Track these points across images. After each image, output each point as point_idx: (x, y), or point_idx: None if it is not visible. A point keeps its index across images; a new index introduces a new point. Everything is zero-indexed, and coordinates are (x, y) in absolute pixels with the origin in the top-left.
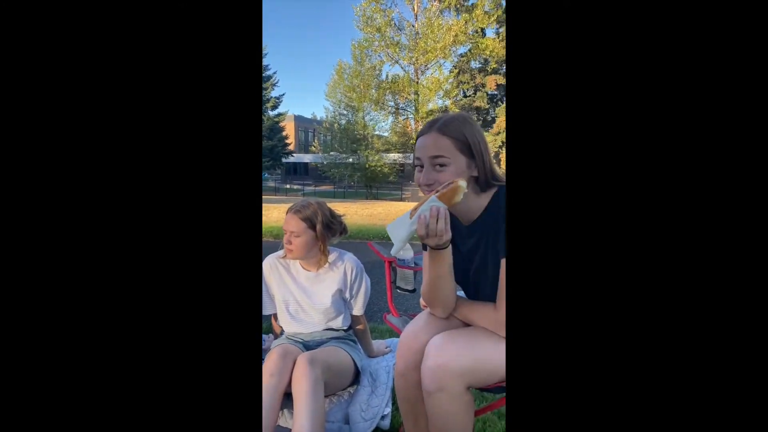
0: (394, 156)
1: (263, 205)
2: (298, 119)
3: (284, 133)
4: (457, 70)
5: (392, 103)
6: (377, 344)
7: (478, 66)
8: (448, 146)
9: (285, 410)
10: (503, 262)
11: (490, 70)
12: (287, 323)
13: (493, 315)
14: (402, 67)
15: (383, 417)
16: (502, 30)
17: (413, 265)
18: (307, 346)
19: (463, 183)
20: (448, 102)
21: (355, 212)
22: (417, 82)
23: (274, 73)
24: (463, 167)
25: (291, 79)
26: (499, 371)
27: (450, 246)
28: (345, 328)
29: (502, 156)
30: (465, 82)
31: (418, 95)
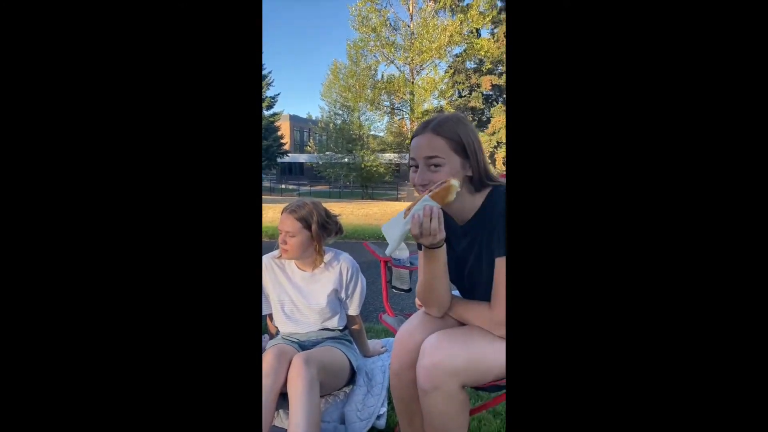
0: (389, 156)
1: None
2: (294, 119)
3: (279, 133)
4: (452, 71)
5: (388, 103)
6: (373, 344)
7: (473, 66)
8: (442, 146)
9: (281, 410)
10: (498, 261)
11: (485, 71)
12: (283, 323)
13: (488, 314)
14: (397, 67)
15: (379, 416)
16: (497, 30)
17: (409, 265)
18: (303, 346)
19: (455, 182)
20: (443, 102)
21: (350, 212)
22: (412, 82)
23: (269, 72)
24: (457, 167)
25: (286, 79)
26: (493, 370)
27: (444, 245)
28: (341, 328)
29: (497, 156)
30: (460, 83)
31: (414, 95)
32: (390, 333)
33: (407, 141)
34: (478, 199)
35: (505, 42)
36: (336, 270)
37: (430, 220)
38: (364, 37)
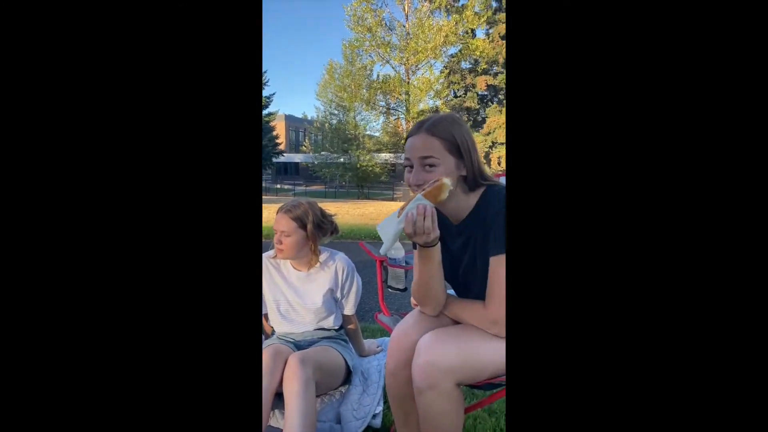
0: (385, 156)
1: None
2: (289, 119)
3: (275, 133)
4: (447, 71)
5: (383, 103)
6: (369, 343)
7: (468, 67)
8: (436, 147)
9: (276, 410)
10: (492, 260)
11: (480, 71)
12: (278, 323)
13: (483, 313)
14: (393, 67)
15: (375, 416)
16: (492, 31)
17: (404, 264)
18: (299, 345)
19: (447, 180)
20: (438, 102)
21: (346, 212)
22: (408, 83)
23: (265, 72)
24: (452, 167)
25: (281, 79)
26: (488, 368)
27: (439, 244)
28: (336, 327)
29: (493, 156)
30: (455, 83)
31: (409, 95)
32: (386, 332)
33: (403, 141)
34: (473, 199)
35: (499, 42)
36: (331, 270)
37: (424, 218)
38: (359, 37)
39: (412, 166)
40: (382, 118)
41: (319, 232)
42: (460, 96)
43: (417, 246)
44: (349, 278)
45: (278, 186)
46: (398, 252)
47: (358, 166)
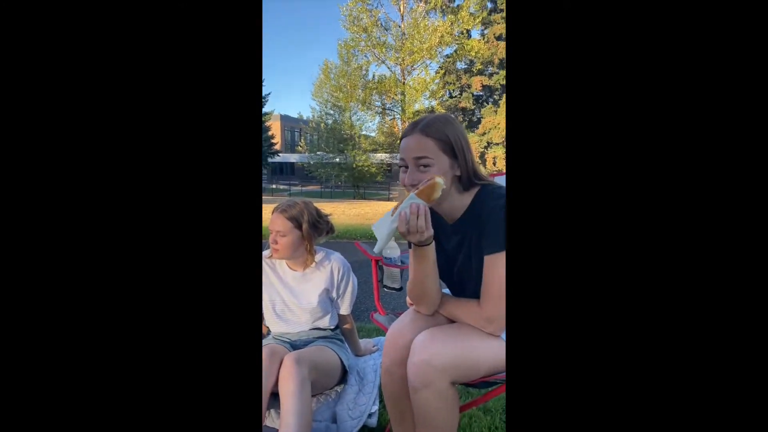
0: (381, 156)
1: None
2: (284, 119)
3: (270, 133)
4: (443, 71)
5: (379, 103)
6: (364, 343)
7: (463, 67)
8: (431, 147)
9: (272, 410)
10: (487, 259)
11: (475, 71)
12: (274, 323)
13: (478, 311)
14: (388, 68)
15: (370, 415)
16: (488, 32)
17: (400, 264)
18: (294, 345)
19: (440, 179)
20: (434, 102)
21: (342, 212)
22: (403, 83)
23: None
24: (446, 167)
25: (277, 79)
26: (483, 367)
27: (433, 243)
28: (332, 327)
29: (488, 156)
30: (451, 83)
31: (405, 95)
32: (382, 332)
33: (398, 141)
34: (467, 198)
35: (495, 43)
36: (327, 269)
37: (417, 217)
38: (355, 37)
39: (407, 167)
40: (377, 118)
41: (314, 231)
42: (455, 96)
43: (412, 245)
44: (344, 278)
45: (274, 186)
46: (394, 251)
47: (354, 166)
